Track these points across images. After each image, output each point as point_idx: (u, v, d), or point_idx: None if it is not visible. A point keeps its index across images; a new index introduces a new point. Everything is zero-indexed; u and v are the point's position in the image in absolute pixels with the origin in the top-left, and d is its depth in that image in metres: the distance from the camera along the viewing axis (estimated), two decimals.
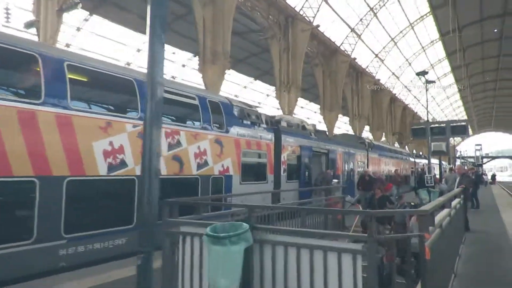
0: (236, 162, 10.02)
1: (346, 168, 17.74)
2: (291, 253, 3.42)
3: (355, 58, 30.75)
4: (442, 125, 19.75)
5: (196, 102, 8.91)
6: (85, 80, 6.79)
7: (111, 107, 7.03)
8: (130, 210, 6.95)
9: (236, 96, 42.36)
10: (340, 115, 46.25)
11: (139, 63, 34.30)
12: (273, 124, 12.53)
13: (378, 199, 8.36)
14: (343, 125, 45.41)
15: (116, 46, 32.78)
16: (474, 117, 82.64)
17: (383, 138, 46.46)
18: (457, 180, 10.33)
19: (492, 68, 52.22)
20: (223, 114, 9.73)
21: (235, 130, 10.07)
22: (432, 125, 19.74)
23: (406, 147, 49.34)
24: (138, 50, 34.77)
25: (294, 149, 13.02)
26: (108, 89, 7.11)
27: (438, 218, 4.68)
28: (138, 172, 7.19)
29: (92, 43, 31.37)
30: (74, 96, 6.25)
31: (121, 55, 33.52)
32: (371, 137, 40.08)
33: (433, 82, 21.59)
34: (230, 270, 3.32)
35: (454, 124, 19.35)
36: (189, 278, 3.90)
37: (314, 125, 16.75)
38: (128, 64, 34.39)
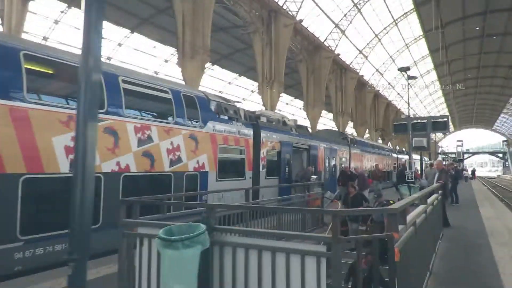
0: (212, 158, 9.70)
1: (328, 164, 17.63)
2: (252, 256, 3.16)
3: (338, 54, 30.70)
4: (423, 120, 19.86)
5: (169, 96, 8.55)
6: (45, 71, 6.36)
7: (74, 101, 6.61)
8: (95, 209, 6.57)
9: (220, 92, 42.00)
10: (324, 112, 46.52)
11: (120, 58, 33.58)
12: (252, 119, 12.25)
13: (352, 197, 8.17)
14: (327, 122, 45.58)
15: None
16: (456, 113, 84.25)
17: (367, 134, 46.81)
18: (436, 175, 10.28)
19: (474, 66, 53.19)
20: (198, 108, 9.39)
21: (211, 125, 9.74)
22: (414, 121, 19.83)
23: (389, 143, 49.84)
24: (120, 45, 33.97)
25: (274, 145, 12.78)
26: (70, 81, 6.68)
27: (412, 215, 4.49)
28: (105, 169, 6.83)
29: (72, 37, 30.46)
30: (31, 87, 5.83)
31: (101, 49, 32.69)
32: (355, 133, 40.28)
33: (415, 78, 21.66)
34: (184, 275, 3.04)
35: (435, 120, 19.47)
36: (146, 285, 3.60)
37: (295, 121, 16.55)
38: (109, 59, 33.59)
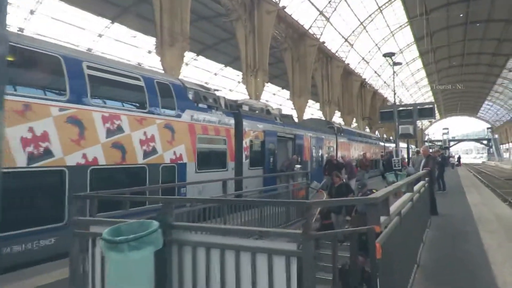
0: (190, 149, 9.22)
1: (314, 153, 17.30)
2: (214, 256, 2.74)
3: (323, 42, 30.25)
4: (409, 108, 19.69)
5: (141, 83, 8.00)
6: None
7: (31, 88, 6.04)
8: (59, 205, 6.07)
9: (206, 83, 41.19)
10: (312, 102, 46.21)
11: (101, 49, 32.47)
12: (233, 108, 11.77)
13: (336, 188, 7.82)
14: (315, 112, 45.29)
15: (76, 31, 30.80)
16: (441, 101, 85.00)
17: (354, 124, 46.76)
18: (423, 162, 10.01)
19: (458, 53, 53.43)
20: (174, 96, 8.87)
21: (189, 114, 9.24)
22: (400, 108, 19.64)
23: (377, 132, 49.94)
24: (100, 35, 32.86)
25: (258, 135, 12.35)
26: (29, 67, 6.10)
27: (396, 205, 4.13)
28: (69, 162, 6.30)
29: (50, 27, 29.30)
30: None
31: (81, 40, 31.60)
32: (342, 122, 40.12)
33: (400, 63, 21.39)
34: (133, 281, 2.61)
35: (421, 107, 19.30)
36: None
37: (279, 110, 16.13)
38: (89, 50, 32.47)
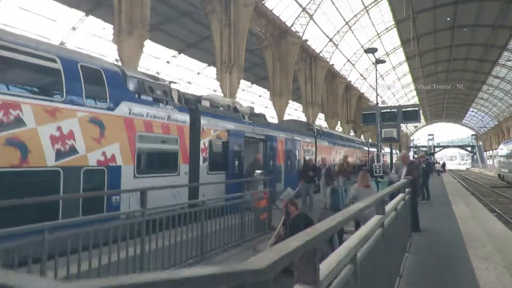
0: (128, 149, 7.63)
1: (289, 157, 15.85)
2: None
3: (306, 40, 28.93)
4: (393, 110, 18.47)
5: (57, 65, 6.39)
6: None
7: None
8: None
9: (189, 82, 39.34)
10: (295, 103, 44.91)
11: (76, 43, 30.47)
12: (191, 103, 10.22)
13: (292, 220, 6.22)
14: (299, 114, 44.05)
15: (47, 23, 28.76)
16: (427, 107, 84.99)
17: (340, 128, 45.66)
18: (404, 170, 8.61)
19: (445, 59, 52.97)
20: (106, 85, 7.27)
21: (126, 107, 7.65)
22: (383, 110, 18.40)
23: (362, 136, 48.94)
24: (74, 28, 30.90)
25: (220, 134, 10.81)
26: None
27: (366, 229, 2.69)
28: None
29: (21, 19, 27.31)
30: None
31: (53, 33, 29.63)
32: (326, 125, 38.91)
33: (384, 61, 20.21)
34: None
35: (406, 109, 18.09)
36: None
37: (251, 108, 14.62)
38: (63, 43, 30.40)
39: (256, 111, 15.03)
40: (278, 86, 26.13)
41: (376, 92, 17.50)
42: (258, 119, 13.80)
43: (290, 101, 47.88)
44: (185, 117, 9.42)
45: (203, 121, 10.07)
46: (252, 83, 42.00)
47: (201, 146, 10.00)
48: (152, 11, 14.92)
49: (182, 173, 9.24)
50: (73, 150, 6.46)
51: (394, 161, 18.31)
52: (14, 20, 25.88)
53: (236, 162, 11.54)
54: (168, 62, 35.77)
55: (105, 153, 7.10)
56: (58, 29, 30.31)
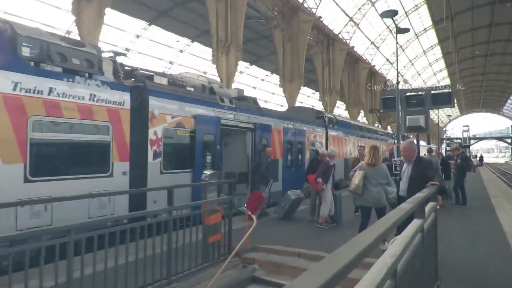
0: (13, 140, 5.26)
1: (290, 151, 13.12)
2: None
3: (320, 17, 25.73)
4: (420, 93, 15.23)
5: None
6: None
7: None
8: None
9: (182, 66, 34.18)
10: (312, 91, 41.69)
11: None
12: (139, 80, 7.73)
13: None
14: (312, 101, 40.89)
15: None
16: (462, 97, 78.88)
17: (364, 118, 42.14)
18: (407, 171, 5.45)
19: (483, 41, 47.75)
20: None
21: (8, 80, 5.25)
22: (408, 93, 15.22)
23: (389, 127, 45.06)
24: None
25: (182, 121, 8.27)
26: None
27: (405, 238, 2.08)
28: None
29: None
30: None
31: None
32: (347, 115, 35.61)
33: (407, 30, 16.93)
34: None
35: (436, 92, 14.83)
36: None
37: (240, 91, 12.01)
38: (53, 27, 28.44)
39: (266, 99, 12.37)
40: (288, 70, 23.26)
41: (397, 68, 14.33)
42: (246, 103, 11.14)
43: (307, 89, 44.83)
44: (123, 97, 6.94)
45: (154, 103, 7.55)
46: (271, 73, 38.68)
47: (151, 136, 7.50)
48: None
49: (118, 174, 6.80)
50: None
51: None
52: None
53: (208, 158, 8.99)
54: (181, 51, 33.24)
55: None
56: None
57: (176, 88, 8.45)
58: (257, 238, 7.17)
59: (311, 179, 8.27)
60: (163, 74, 8.54)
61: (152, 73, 8.22)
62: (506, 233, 7.24)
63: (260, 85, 39.17)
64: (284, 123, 12.82)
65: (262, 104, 13.40)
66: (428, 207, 3.68)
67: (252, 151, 10.90)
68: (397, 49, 14.50)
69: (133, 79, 7.82)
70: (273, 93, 33.24)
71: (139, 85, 7.46)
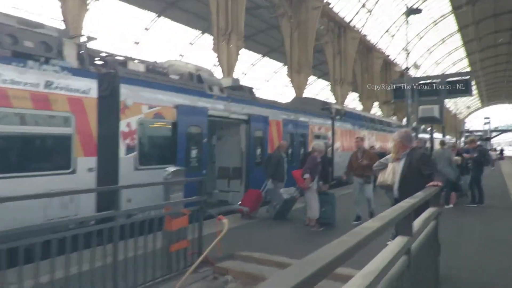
0: None
1: (292, 144, 12.22)
2: None
3: (328, 3, 24.48)
4: (435, 81, 14.05)
5: None
6: None
7: None
8: None
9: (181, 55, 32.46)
10: (325, 83, 40.35)
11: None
12: (107, 65, 6.99)
13: None
14: (325, 93, 39.61)
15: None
16: (483, 88, 75.64)
17: (378, 110, 40.70)
18: (401, 165, 4.36)
19: (506, 27, 45.13)
20: None
21: None
22: (421, 81, 14.08)
23: (404, 119, 43.37)
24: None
25: (161, 112, 7.51)
26: None
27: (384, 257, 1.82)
28: None
29: None
30: None
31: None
32: (361, 107, 34.29)
33: (419, 11, 15.59)
34: None
35: (453, 79, 13.62)
36: None
37: (235, 80, 11.19)
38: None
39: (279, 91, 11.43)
40: (296, 60, 22.23)
41: (407, 55, 13.17)
42: (240, 93, 10.30)
43: (322, 81, 43.44)
44: (89, 85, 6.21)
45: (127, 91, 6.80)
46: (284, 65, 37.04)
47: (123, 128, 6.77)
48: None
49: (82, 170, 6.10)
50: None
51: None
52: None
53: (194, 152, 8.23)
54: (191, 43, 32.36)
55: None
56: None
57: (155, 76, 7.67)
58: (241, 242, 6.41)
59: (296, 174, 7.36)
60: (141, 61, 7.75)
61: (127, 59, 7.44)
62: None
63: (273, 77, 38.13)
64: (284, 114, 11.94)
65: (275, 98, 12.46)
66: (419, 220, 2.80)
67: (247, 144, 10.08)
68: (407, 34, 13.29)
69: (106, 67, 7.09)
70: (286, 86, 31.98)
71: (109, 72, 6.72)
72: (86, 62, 6.37)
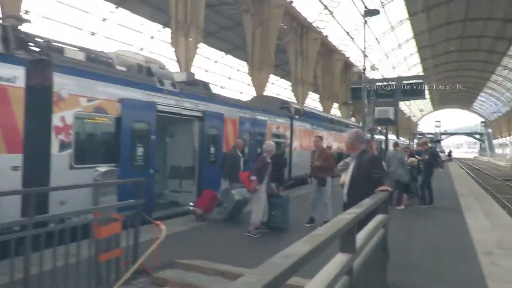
0: None
1: (247, 144, 11.89)
2: None
3: (291, 2, 24.47)
4: (391, 83, 14.35)
5: None
6: None
7: None
8: None
9: (141, 49, 31.43)
10: (287, 83, 40.53)
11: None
12: (41, 51, 6.25)
13: None
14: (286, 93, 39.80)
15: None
16: (435, 92, 79.86)
17: (338, 111, 41.45)
18: (351, 167, 4.20)
19: (457, 36, 47.82)
20: None
21: None
22: (378, 83, 14.32)
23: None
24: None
25: (103, 105, 6.85)
26: None
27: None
28: None
29: None
30: None
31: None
32: (320, 107, 34.71)
33: (377, 12, 15.92)
34: None
35: (407, 82, 13.98)
36: None
37: (190, 74, 10.65)
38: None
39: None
40: (257, 58, 21.96)
41: (364, 55, 13.30)
42: (194, 88, 9.80)
43: (284, 81, 43.63)
44: (14, 73, 5.47)
45: (62, 81, 6.10)
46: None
47: (57, 123, 6.07)
48: None
49: (3, 169, 5.37)
50: None
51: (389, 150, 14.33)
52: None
53: (140, 150, 7.64)
54: (152, 37, 30.86)
55: None
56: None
57: (97, 66, 7.00)
58: (186, 247, 5.97)
59: (243, 177, 7.03)
60: (81, 48, 7.05)
61: (64, 45, 6.72)
62: (474, 241, 6.31)
63: (236, 75, 37.71)
64: (240, 112, 11.57)
65: (237, 96, 12.09)
66: (365, 231, 2.53)
67: (201, 142, 9.60)
68: (364, 35, 13.42)
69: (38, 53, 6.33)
70: (248, 84, 31.67)
71: (41, 59, 5.99)
72: (11, 46, 5.61)
